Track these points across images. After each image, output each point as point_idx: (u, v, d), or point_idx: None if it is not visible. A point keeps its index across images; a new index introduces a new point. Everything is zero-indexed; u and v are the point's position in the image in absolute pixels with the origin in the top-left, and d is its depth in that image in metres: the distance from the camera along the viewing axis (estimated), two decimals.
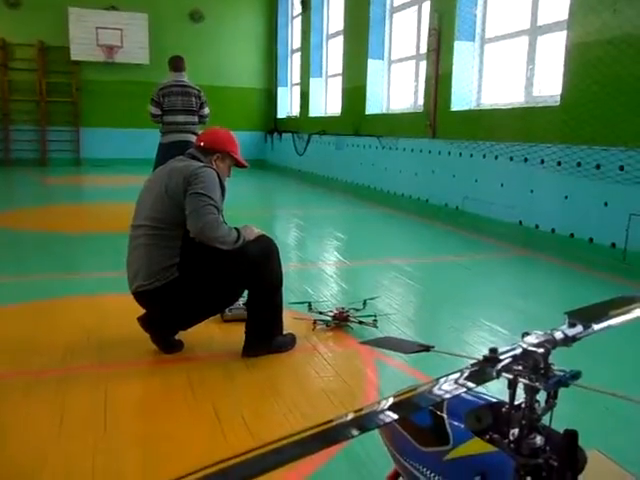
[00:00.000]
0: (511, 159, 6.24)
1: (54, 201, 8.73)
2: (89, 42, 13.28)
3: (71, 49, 13.25)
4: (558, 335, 0.84)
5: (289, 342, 2.93)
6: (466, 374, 0.79)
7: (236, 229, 2.69)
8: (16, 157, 13.54)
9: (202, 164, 2.78)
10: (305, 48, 12.74)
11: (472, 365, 0.81)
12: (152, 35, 13.62)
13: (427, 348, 1.10)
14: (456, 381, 0.77)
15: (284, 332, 2.92)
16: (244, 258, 2.69)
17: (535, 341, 0.82)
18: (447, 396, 0.77)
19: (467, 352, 2.97)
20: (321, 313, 3.38)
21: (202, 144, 2.91)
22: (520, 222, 6.13)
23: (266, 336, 2.83)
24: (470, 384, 0.77)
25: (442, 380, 0.77)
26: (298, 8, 13.35)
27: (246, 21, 14.70)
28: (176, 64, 6.26)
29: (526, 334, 0.84)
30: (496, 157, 6.48)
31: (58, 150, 13.85)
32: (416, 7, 8.76)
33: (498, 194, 6.48)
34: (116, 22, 13.36)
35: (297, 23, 13.79)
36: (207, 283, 2.69)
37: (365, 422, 0.71)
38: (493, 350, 0.81)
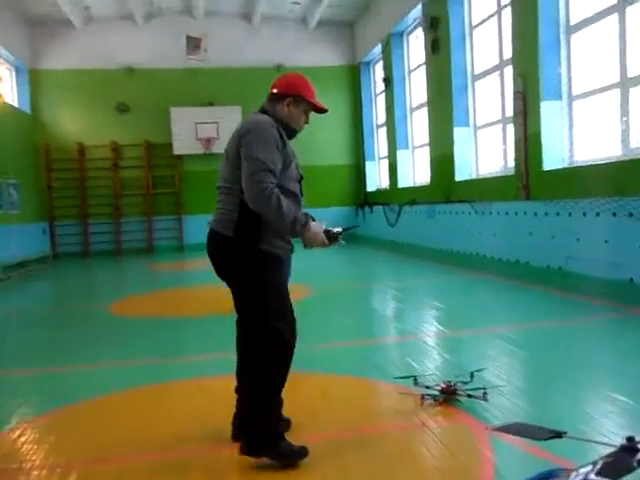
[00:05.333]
0: (614, 214, 5.98)
1: (160, 287, 9.24)
2: (189, 137, 14.41)
3: (173, 145, 14.43)
4: None
5: (300, 454, 2.53)
6: (600, 465, 0.74)
7: (306, 215, 2.56)
8: (126, 247, 14.60)
9: (258, 116, 2.65)
10: (390, 122, 13.08)
11: (607, 456, 0.77)
12: None
13: (559, 434, 1.06)
14: (592, 473, 0.73)
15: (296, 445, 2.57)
16: (271, 325, 2.52)
17: None
18: None
19: (593, 427, 2.77)
20: (428, 387, 3.30)
21: (275, 90, 2.72)
22: (631, 279, 5.79)
23: (268, 437, 2.52)
24: (606, 477, 0.73)
25: (575, 475, 0.73)
26: (381, 86, 13.83)
27: (332, 102, 15.34)
28: None
29: None
30: (597, 214, 6.23)
31: (163, 238, 14.83)
32: (498, 73, 8.83)
33: (603, 252, 6.18)
34: (213, 116, 14.41)
35: (381, 99, 14.25)
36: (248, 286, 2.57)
37: None
38: (630, 439, 0.77)
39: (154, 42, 14.42)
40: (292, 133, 2.73)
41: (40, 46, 14.19)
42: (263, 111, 2.70)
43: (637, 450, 0.75)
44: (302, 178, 2.75)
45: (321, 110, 2.78)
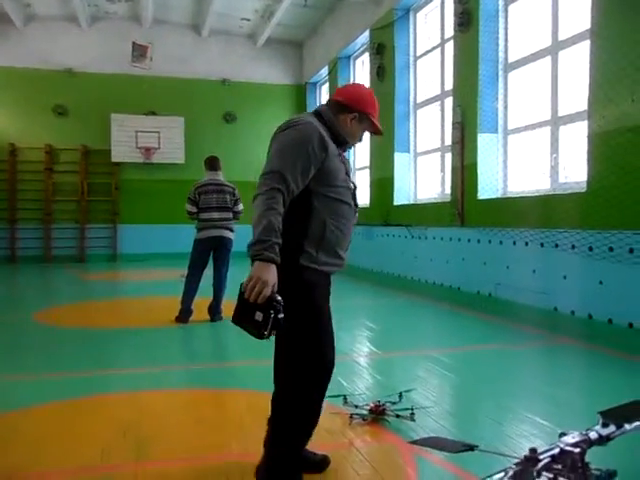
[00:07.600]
0: (542, 245, 6.26)
1: (90, 297, 8.94)
2: (129, 144, 14.10)
3: (112, 151, 14.06)
4: (593, 435, 0.87)
5: None
6: (509, 474, 0.81)
7: (278, 246, 2.11)
8: (56, 254, 14.05)
9: (304, 116, 2.37)
10: None
11: (514, 465, 0.83)
12: (187, 136, 14.38)
13: (471, 447, 1.12)
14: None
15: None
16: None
17: (571, 441, 0.85)
18: None
19: (509, 446, 2.88)
20: (357, 407, 3.34)
21: (340, 99, 2.45)
22: (555, 308, 6.06)
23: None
24: None
25: None
26: None
27: (277, 119, 15.30)
28: (212, 163, 6.59)
29: (563, 434, 0.87)
30: (526, 243, 6.51)
31: (96, 247, 14.37)
32: (439, 102, 9.14)
33: (531, 280, 6.45)
34: (154, 126, 14.20)
35: None
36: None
37: None
38: (533, 450, 0.84)
39: (97, 46, 14.07)
40: (344, 145, 2.50)
41: None
42: (317, 114, 2.43)
43: (538, 460, 0.83)
44: (356, 188, 2.52)
45: (378, 133, 2.60)
